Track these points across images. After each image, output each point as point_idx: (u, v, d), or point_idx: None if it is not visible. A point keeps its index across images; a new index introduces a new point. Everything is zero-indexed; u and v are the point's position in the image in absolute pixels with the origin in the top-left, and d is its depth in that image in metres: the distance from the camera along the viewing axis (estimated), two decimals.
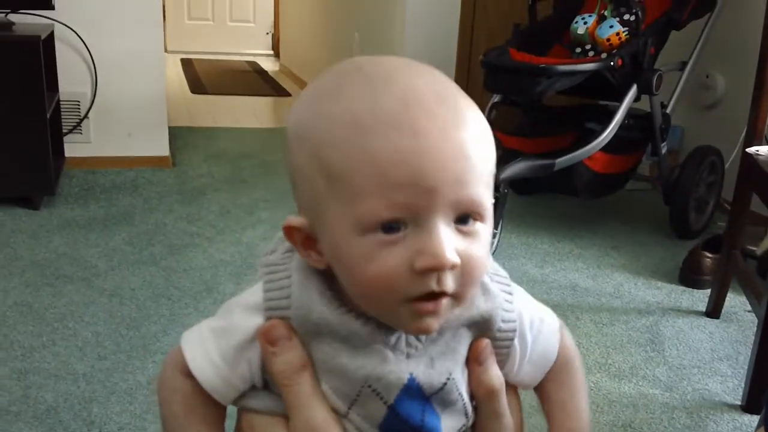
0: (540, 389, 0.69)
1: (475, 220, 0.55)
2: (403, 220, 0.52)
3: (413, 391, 0.59)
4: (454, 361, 0.61)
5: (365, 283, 0.54)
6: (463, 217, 0.54)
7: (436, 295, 0.54)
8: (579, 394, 0.68)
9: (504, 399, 0.64)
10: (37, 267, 2.41)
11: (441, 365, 0.60)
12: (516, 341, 0.64)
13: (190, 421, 0.62)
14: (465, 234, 0.54)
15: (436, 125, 0.52)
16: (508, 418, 0.65)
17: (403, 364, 0.59)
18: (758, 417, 1.74)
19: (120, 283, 2.33)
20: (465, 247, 0.54)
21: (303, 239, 0.58)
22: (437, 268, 0.52)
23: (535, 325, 0.65)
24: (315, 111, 0.55)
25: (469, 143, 0.53)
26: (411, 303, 0.54)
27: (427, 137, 0.51)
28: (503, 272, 0.65)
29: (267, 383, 0.61)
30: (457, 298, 0.56)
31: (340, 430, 0.59)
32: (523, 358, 0.65)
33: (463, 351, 0.62)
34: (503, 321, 0.63)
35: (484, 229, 0.56)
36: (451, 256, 0.53)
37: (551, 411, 0.68)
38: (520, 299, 0.65)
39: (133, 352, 1.94)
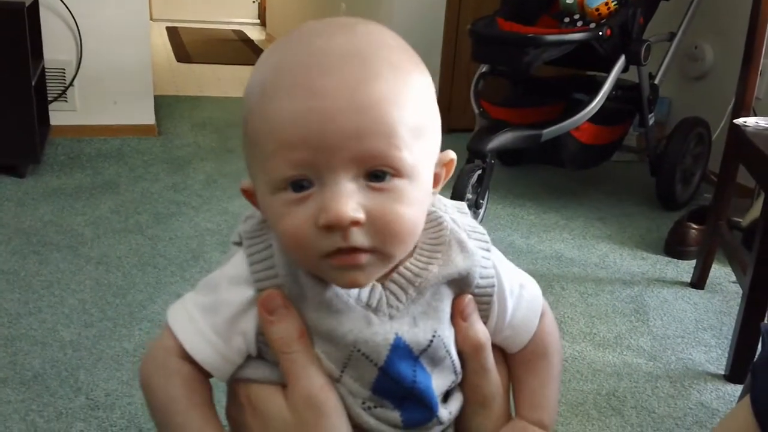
0: (512, 373, 0.68)
1: (393, 176, 0.54)
2: (310, 179, 0.53)
3: (401, 350, 0.59)
4: (437, 320, 0.61)
5: (282, 239, 0.56)
6: (376, 173, 0.54)
7: (353, 250, 0.54)
8: (550, 385, 0.68)
9: (491, 354, 0.64)
10: (24, 235, 2.40)
11: (424, 324, 0.61)
12: (495, 297, 0.64)
13: (193, 403, 0.61)
14: (378, 190, 0.54)
15: (334, 83, 0.52)
16: (495, 374, 0.65)
17: (387, 325, 0.59)
18: (741, 386, 1.77)
19: (106, 251, 2.33)
20: (376, 203, 0.54)
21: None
22: (336, 225, 0.52)
23: (515, 291, 0.65)
24: (249, 80, 0.58)
25: (375, 98, 0.52)
26: (329, 258, 0.54)
27: (323, 96, 0.52)
28: (481, 228, 0.65)
29: (261, 352, 0.62)
30: (383, 255, 0.55)
31: (337, 396, 0.60)
32: (503, 319, 0.65)
33: (445, 309, 0.62)
34: (481, 277, 0.63)
35: (406, 184, 0.55)
36: (352, 212, 0.52)
37: (520, 397, 0.68)
38: (500, 264, 0.65)
39: (119, 319, 1.94)
